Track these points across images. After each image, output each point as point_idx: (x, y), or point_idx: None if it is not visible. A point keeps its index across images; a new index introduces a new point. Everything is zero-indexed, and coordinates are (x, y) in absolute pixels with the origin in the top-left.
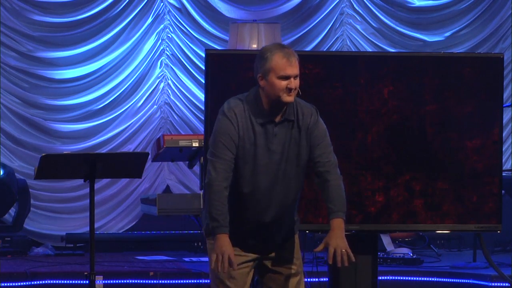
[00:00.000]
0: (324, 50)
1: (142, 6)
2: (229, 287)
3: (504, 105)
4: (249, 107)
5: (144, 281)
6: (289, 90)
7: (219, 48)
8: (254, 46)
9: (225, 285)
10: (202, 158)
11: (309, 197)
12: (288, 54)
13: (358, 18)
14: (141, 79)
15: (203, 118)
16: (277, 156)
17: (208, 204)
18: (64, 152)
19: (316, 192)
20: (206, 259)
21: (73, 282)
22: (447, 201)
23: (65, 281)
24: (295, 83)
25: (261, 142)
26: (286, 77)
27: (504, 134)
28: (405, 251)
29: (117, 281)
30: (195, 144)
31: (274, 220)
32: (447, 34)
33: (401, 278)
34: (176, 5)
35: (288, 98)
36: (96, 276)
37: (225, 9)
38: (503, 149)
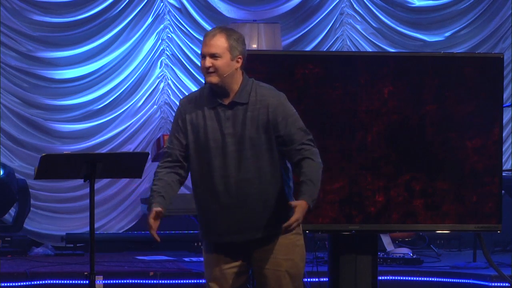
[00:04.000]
0: (324, 50)
1: (142, 6)
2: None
3: (504, 105)
4: (202, 93)
5: (144, 281)
6: (205, 69)
7: None
8: (254, 46)
9: (208, 286)
10: None
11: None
12: (207, 34)
13: (358, 18)
14: (141, 79)
15: None
16: (230, 138)
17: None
18: (64, 152)
19: None
20: None
21: (73, 282)
22: (447, 201)
23: (65, 281)
24: (212, 62)
25: (212, 125)
26: (203, 56)
27: (504, 134)
28: (405, 251)
29: (117, 281)
30: None
31: (240, 203)
32: (447, 34)
33: (401, 278)
34: (176, 5)
35: (207, 78)
36: (96, 276)
37: (225, 9)
38: (503, 149)
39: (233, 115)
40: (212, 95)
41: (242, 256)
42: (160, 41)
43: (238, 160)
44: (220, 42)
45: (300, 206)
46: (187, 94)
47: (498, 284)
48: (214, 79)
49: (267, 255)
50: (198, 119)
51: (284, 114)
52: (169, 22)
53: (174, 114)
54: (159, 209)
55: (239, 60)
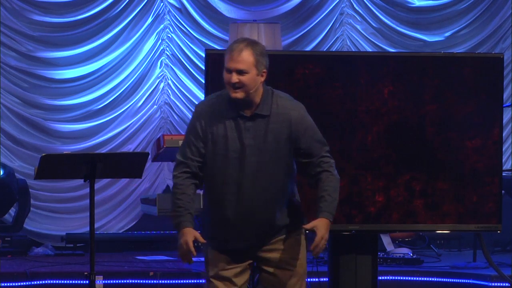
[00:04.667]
0: (324, 50)
1: (142, 6)
2: (216, 286)
3: (504, 105)
4: (221, 101)
5: (144, 281)
6: (231, 85)
7: (219, 48)
8: None
9: (212, 284)
10: None
11: (309, 197)
12: (234, 48)
13: (358, 18)
14: (141, 79)
15: None
16: (250, 149)
17: (172, 200)
18: (64, 152)
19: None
20: None
21: (73, 282)
22: (447, 201)
23: (65, 281)
24: (239, 78)
25: (232, 135)
26: (228, 70)
27: (504, 134)
28: (405, 251)
29: (117, 281)
30: None
31: (251, 213)
32: (447, 34)
33: (401, 278)
34: (176, 5)
35: (233, 94)
36: (96, 276)
37: (225, 9)
38: (503, 149)
39: (253, 127)
40: (232, 105)
41: (248, 256)
42: (160, 41)
43: (256, 172)
44: (247, 58)
45: (320, 225)
46: (187, 94)
47: (498, 284)
48: (239, 94)
49: (275, 255)
50: (218, 129)
51: (306, 128)
52: (169, 22)
53: (172, 115)
54: (198, 233)
55: (264, 74)
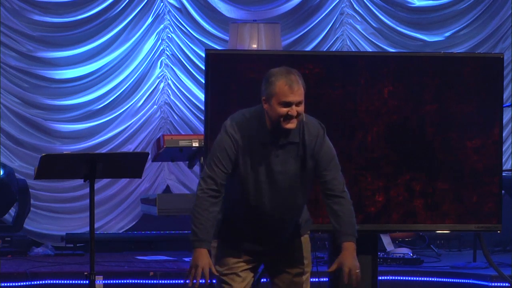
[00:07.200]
0: (324, 50)
1: (142, 6)
2: (227, 283)
3: (504, 105)
4: (253, 125)
5: (144, 281)
6: (289, 117)
7: (219, 48)
8: (254, 46)
9: (223, 281)
10: (202, 158)
11: (309, 197)
12: (291, 81)
13: (358, 18)
14: (141, 79)
15: (203, 118)
16: (280, 175)
17: (192, 214)
18: (64, 152)
19: (317, 193)
20: None
21: (73, 282)
22: (447, 201)
23: (65, 281)
24: (296, 109)
25: (262, 160)
26: (287, 104)
27: (504, 134)
28: (405, 251)
29: (117, 281)
30: (195, 144)
31: (276, 230)
32: (447, 34)
33: (401, 278)
34: (176, 5)
35: (288, 125)
36: (96, 276)
37: (225, 9)
38: (503, 149)
39: (283, 153)
40: (266, 131)
41: (259, 255)
42: (160, 41)
43: (284, 194)
44: (302, 88)
45: (344, 257)
46: (187, 94)
47: (498, 284)
48: (294, 125)
49: (287, 254)
50: (250, 152)
51: (327, 154)
52: (169, 22)
53: (172, 115)
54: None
55: None
